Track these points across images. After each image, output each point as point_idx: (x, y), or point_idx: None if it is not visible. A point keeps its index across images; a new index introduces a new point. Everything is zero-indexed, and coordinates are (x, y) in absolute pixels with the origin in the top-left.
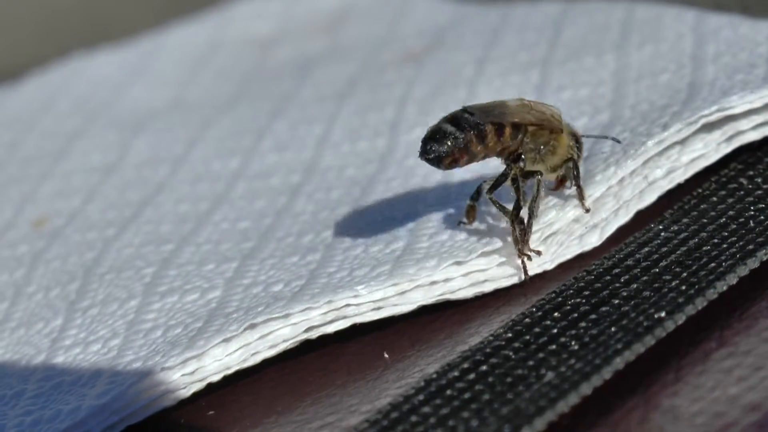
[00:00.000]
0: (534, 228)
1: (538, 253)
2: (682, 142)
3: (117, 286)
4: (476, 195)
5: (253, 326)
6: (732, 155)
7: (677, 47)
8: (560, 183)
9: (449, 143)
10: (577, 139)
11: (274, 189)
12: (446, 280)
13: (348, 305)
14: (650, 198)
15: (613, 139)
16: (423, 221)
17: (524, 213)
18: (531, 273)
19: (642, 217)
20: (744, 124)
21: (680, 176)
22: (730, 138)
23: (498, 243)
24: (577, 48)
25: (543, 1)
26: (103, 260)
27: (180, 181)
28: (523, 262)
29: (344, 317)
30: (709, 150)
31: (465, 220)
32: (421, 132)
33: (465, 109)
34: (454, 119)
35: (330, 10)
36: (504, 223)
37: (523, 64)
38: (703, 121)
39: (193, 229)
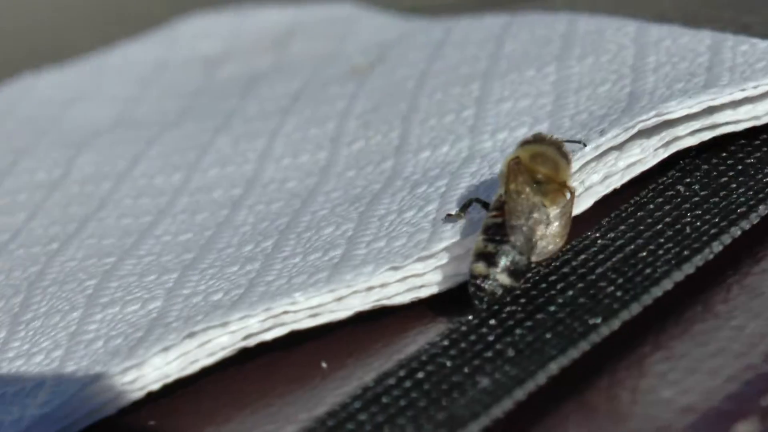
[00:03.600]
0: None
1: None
2: (620, 147)
3: (60, 299)
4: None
5: (192, 335)
6: (670, 162)
7: (618, 58)
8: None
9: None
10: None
11: (216, 202)
12: (383, 286)
13: (286, 312)
14: (586, 203)
15: (582, 143)
16: (361, 229)
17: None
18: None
19: (580, 226)
20: (681, 129)
21: (617, 181)
22: (667, 144)
23: (434, 248)
24: (519, 60)
25: (486, 16)
26: (47, 274)
27: (123, 196)
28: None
29: (282, 324)
30: (647, 155)
31: (452, 213)
32: (362, 145)
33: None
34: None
35: (276, 28)
36: (442, 228)
37: (465, 77)
38: (640, 126)
39: (136, 242)
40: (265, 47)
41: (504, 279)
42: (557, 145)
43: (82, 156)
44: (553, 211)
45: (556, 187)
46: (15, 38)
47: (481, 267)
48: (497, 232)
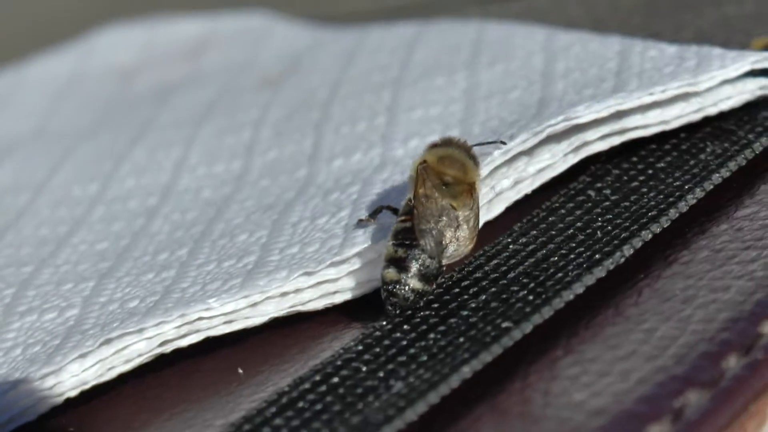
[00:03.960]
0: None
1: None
2: (529, 153)
3: None
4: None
5: (108, 341)
6: (581, 168)
7: (528, 65)
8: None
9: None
10: (476, 162)
11: (132, 211)
12: (297, 291)
13: (200, 318)
14: (498, 209)
15: (501, 142)
16: (274, 236)
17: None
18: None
19: (492, 231)
20: (590, 134)
21: (527, 187)
22: (577, 149)
23: (347, 253)
24: (429, 68)
25: (398, 25)
26: None
27: (41, 206)
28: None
29: (197, 331)
30: (557, 160)
31: (364, 218)
32: (276, 154)
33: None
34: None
35: (191, 39)
36: (354, 233)
37: (376, 85)
38: (549, 131)
39: (53, 251)
40: (180, 57)
41: (415, 283)
42: (465, 148)
43: None
44: (462, 213)
45: (464, 188)
46: None
47: (392, 273)
48: (406, 237)
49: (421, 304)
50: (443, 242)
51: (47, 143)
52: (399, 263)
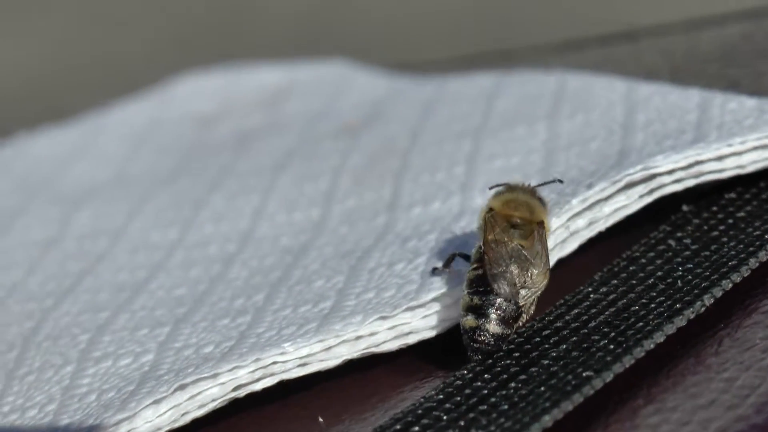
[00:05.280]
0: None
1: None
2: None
3: (53, 353)
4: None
5: (182, 387)
6: (661, 217)
7: (607, 115)
8: None
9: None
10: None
11: (210, 257)
12: (371, 334)
13: (275, 363)
14: (572, 246)
15: (558, 180)
16: (351, 282)
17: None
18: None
19: (573, 280)
20: (665, 177)
21: (602, 225)
22: (651, 191)
23: (423, 298)
24: (510, 118)
25: (478, 75)
26: (41, 329)
27: (119, 251)
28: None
29: (271, 374)
30: (631, 201)
31: (439, 266)
32: (355, 201)
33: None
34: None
35: (270, 87)
36: (431, 279)
37: (456, 134)
38: (627, 179)
39: (130, 297)
40: (259, 105)
41: (495, 328)
42: (529, 191)
43: (78, 213)
44: (532, 252)
45: (533, 228)
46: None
47: (470, 320)
48: (480, 284)
49: (504, 348)
50: (516, 283)
51: (126, 189)
52: (477, 310)
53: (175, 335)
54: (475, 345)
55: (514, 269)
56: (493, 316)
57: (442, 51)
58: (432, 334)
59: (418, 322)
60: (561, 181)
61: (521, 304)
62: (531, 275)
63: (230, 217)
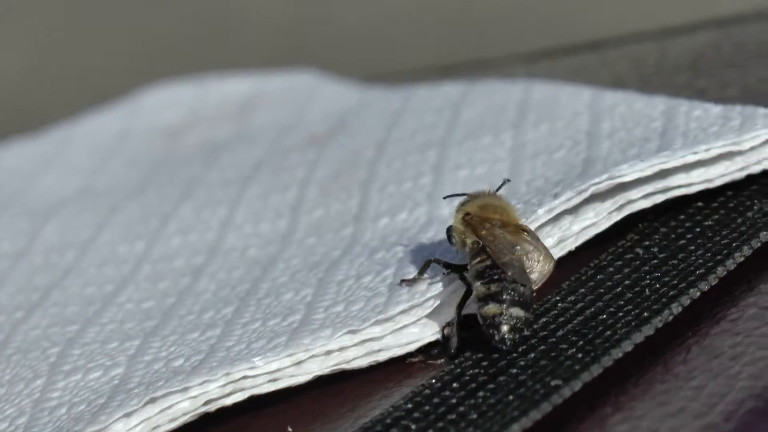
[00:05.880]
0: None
1: None
2: (574, 211)
3: (23, 367)
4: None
5: (153, 400)
6: (629, 226)
7: (573, 125)
8: None
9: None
10: None
11: (178, 270)
12: (341, 350)
13: (245, 377)
14: None
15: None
16: (320, 295)
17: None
18: (426, 340)
19: (540, 290)
20: (634, 193)
21: (571, 244)
22: (621, 207)
23: (391, 311)
24: (475, 128)
25: (444, 84)
26: (11, 342)
27: (87, 265)
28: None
29: (242, 389)
30: (600, 218)
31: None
32: (322, 213)
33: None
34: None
35: (239, 98)
36: (399, 291)
37: (422, 144)
38: (593, 189)
39: (98, 310)
40: (227, 116)
41: (517, 312)
42: (496, 196)
43: (46, 226)
44: (531, 236)
45: (514, 229)
46: None
47: (492, 308)
48: (492, 273)
49: (526, 333)
50: (526, 269)
51: (94, 201)
52: (495, 297)
53: (145, 349)
54: (499, 333)
55: (521, 256)
56: (513, 299)
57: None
58: (402, 351)
59: (388, 339)
60: (508, 180)
61: (534, 288)
62: (538, 260)
63: (198, 229)
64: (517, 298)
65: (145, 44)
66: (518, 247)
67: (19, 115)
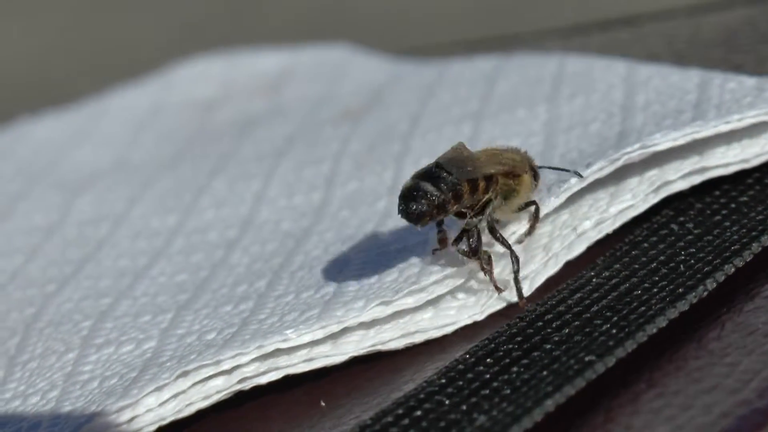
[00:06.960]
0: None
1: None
2: (611, 193)
3: (55, 340)
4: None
5: (185, 374)
6: (663, 202)
7: (607, 98)
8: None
9: (428, 203)
10: (535, 174)
11: (211, 243)
12: (377, 331)
13: (280, 354)
14: (579, 248)
15: (576, 173)
16: (353, 267)
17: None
18: (462, 323)
19: (575, 265)
20: (671, 174)
21: (609, 227)
22: (657, 188)
23: (424, 281)
24: (510, 101)
25: (478, 58)
26: (43, 315)
27: (120, 237)
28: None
29: (277, 368)
30: (638, 200)
31: (438, 246)
32: (356, 186)
33: (438, 164)
34: (430, 176)
35: (271, 71)
36: (433, 261)
37: (457, 118)
38: (625, 158)
39: (131, 283)
40: (260, 90)
41: (430, 188)
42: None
43: (79, 199)
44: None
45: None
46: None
47: (408, 181)
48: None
49: (436, 217)
50: (462, 163)
51: (127, 175)
52: (415, 175)
53: (178, 322)
54: (406, 206)
55: (464, 158)
56: (426, 174)
57: (446, 36)
58: (438, 333)
59: (425, 322)
60: (581, 175)
61: (459, 178)
62: (475, 160)
63: (231, 202)
64: (431, 176)
65: (177, 19)
66: (464, 152)
67: (51, 90)
